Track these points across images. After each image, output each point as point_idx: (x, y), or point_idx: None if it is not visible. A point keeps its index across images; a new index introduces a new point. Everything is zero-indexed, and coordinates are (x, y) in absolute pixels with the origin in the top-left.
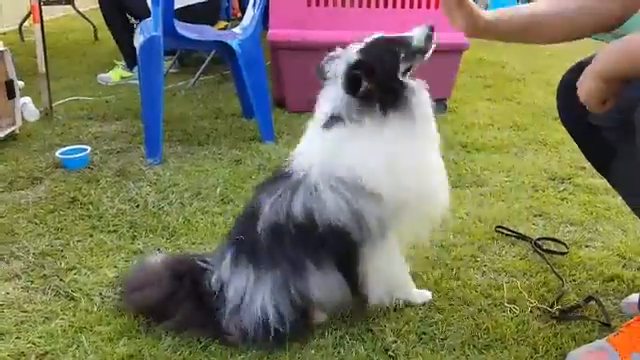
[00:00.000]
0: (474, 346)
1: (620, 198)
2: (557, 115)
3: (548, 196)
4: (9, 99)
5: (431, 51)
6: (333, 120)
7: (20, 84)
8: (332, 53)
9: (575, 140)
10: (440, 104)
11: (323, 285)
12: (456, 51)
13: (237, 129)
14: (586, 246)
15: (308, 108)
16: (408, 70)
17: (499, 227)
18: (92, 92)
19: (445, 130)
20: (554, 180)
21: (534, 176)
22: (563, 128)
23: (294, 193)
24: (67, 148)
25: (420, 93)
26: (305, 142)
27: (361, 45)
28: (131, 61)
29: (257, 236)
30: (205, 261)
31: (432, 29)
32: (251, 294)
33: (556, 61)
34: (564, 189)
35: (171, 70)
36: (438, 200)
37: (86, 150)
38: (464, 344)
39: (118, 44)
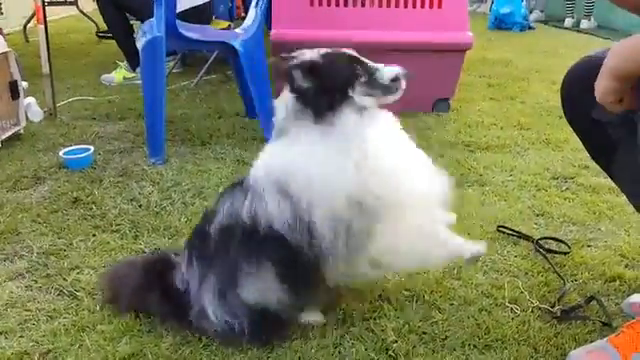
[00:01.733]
0: (475, 346)
1: (624, 197)
2: (561, 114)
3: (551, 195)
4: (13, 100)
5: (396, 96)
6: (280, 133)
7: (24, 85)
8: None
9: (578, 136)
10: (443, 103)
11: (258, 288)
12: (459, 50)
13: (240, 129)
14: (588, 246)
15: None
16: (366, 95)
17: (501, 226)
18: (95, 92)
19: (448, 129)
20: (557, 179)
21: (537, 175)
22: (567, 127)
23: (244, 197)
24: (70, 148)
25: (375, 118)
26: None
27: (328, 50)
28: (133, 62)
29: (208, 237)
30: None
31: (405, 76)
32: (197, 295)
33: (560, 60)
34: (567, 188)
35: (174, 70)
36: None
37: (89, 150)
38: (465, 344)
39: (119, 45)
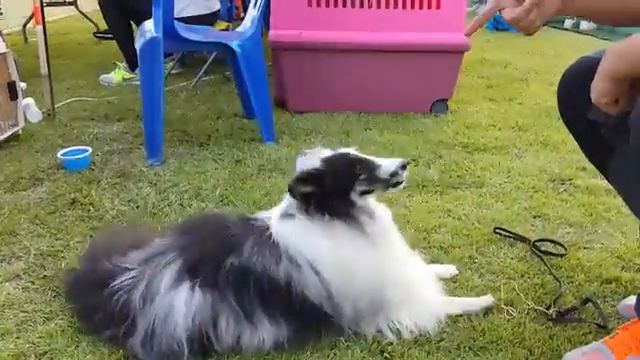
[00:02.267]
0: (470, 348)
1: (620, 199)
2: (559, 116)
3: (548, 197)
4: (12, 100)
5: (399, 188)
6: (288, 215)
7: (23, 85)
8: (303, 152)
9: (575, 137)
10: (441, 104)
11: (269, 335)
12: (457, 51)
13: (238, 130)
14: (585, 248)
15: (309, 108)
16: (366, 192)
17: (498, 228)
18: (94, 93)
19: (446, 130)
20: (554, 181)
21: (534, 177)
22: (565, 129)
23: (278, 258)
24: (68, 149)
25: (375, 216)
26: (277, 217)
27: (327, 154)
28: (132, 63)
29: (220, 268)
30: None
31: (405, 166)
32: (192, 315)
33: (559, 61)
34: (564, 190)
35: (173, 71)
36: (392, 311)
37: (87, 151)
38: (460, 346)
39: (119, 45)
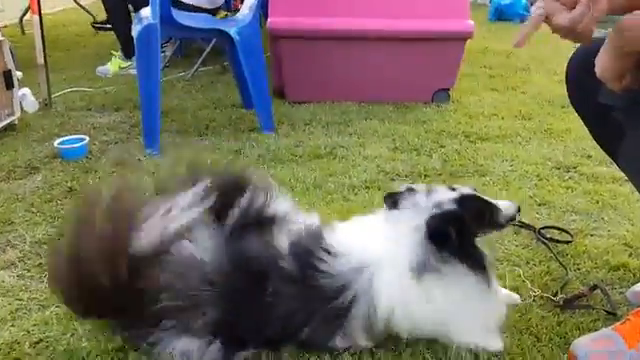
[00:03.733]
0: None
1: (627, 186)
2: (563, 104)
3: (553, 185)
4: (7, 89)
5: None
6: (418, 270)
7: (18, 74)
8: (411, 187)
9: (584, 121)
10: (443, 94)
11: None
12: (459, 39)
13: (236, 120)
14: (591, 235)
15: (308, 98)
16: (486, 234)
17: None
18: (91, 83)
19: (448, 120)
20: (559, 169)
21: (538, 165)
22: (568, 117)
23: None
24: (65, 138)
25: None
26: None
27: (454, 194)
28: (129, 49)
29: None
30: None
31: (519, 210)
32: None
33: (561, 50)
34: (569, 178)
35: (167, 53)
36: None
37: (84, 140)
38: None
39: (116, 33)
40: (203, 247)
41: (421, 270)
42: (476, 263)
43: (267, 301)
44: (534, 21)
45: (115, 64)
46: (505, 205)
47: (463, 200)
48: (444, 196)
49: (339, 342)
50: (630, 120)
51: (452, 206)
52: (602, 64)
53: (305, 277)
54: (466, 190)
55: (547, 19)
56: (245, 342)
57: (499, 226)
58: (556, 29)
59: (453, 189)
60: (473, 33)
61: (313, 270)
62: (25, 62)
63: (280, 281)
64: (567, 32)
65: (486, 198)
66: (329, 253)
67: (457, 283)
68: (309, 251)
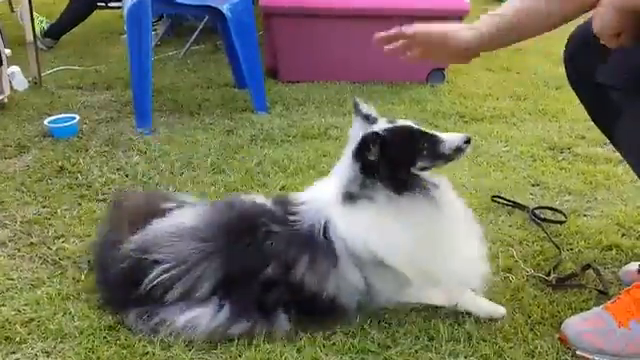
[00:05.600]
0: (469, 315)
1: (620, 167)
2: (557, 85)
3: (546, 165)
4: None
5: (458, 161)
6: (351, 197)
7: (7, 52)
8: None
9: (582, 101)
10: (438, 74)
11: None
12: (455, 17)
13: (229, 99)
14: (584, 215)
15: (301, 78)
16: (426, 168)
17: (495, 196)
18: (82, 62)
19: (443, 100)
20: (553, 150)
21: (532, 146)
22: (563, 98)
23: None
24: (56, 117)
25: (439, 186)
26: (319, 202)
27: (390, 124)
28: (56, 32)
29: (252, 282)
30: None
31: (469, 141)
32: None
33: (557, 31)
34: (563, 159)
35: (158, 32)
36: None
37: (75, 119)
38: (458, 312)
39: (68, 7)
40: (189, 217)
41: (347, 197)
42: (413, 192)
43: (262, 243)
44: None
45: (38, 26)
46: (450, 137)
47: (395, 128)
48: (380, 126)
49: (332, 282)
50: (627, 99)
51: (378, 131)
52: (601, 20)
53: (287, 220)
54: (403, 122)
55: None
56: (248, 306)
57: (443, 157)
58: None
59: (391, 122)
60: (469, 11)
61: (292, 214)
62: (14, 40)
63: (272, 222)
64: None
65: (424, 129)
66: (299, 203)
67: (389, 210)
68: (286, 201)
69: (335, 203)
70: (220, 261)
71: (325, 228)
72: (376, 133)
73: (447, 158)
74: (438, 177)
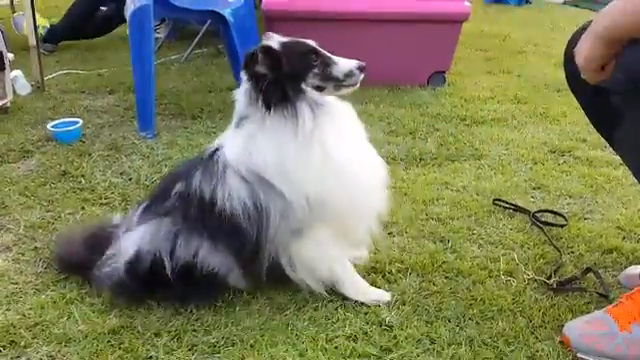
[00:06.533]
0: (470, 318)
1: (621, 170)
2: (558, 88)
3: (547, 169)
4: None
5: (350, 90)
6: (241, 119)
7: (10, 56)
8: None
9: (581, 106)
10: (439, 77)
11: (208, 255)
12: (455, 21)
13: (231, 103)
14: (585, 218)
15: None
16: (318, 88)
17: (497, 200)
18: (84, 66)
19: (444, 103)
20: (554, 153)
21: (534, 149)
22: (564, 101)
23: (211, 178)
24: (59, 121)
25: (321, 107)
26: (223, 136)
27: (287, 39)
28: (57, 34)
29: (169, 198)
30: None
31: (362, 69)
32: (139, 243)
33: (558, 34)
34: (564, 162)
35: (160, 36)
36: (358, 204)
37: (78, 123)
38: (460, 316)
39: (69, 11)
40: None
41: (238, 119)
42: (290, 105)
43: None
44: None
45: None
46: (343, 61)
47: (288, 42)
48: (273, 41)
49: (220, 192)
50: (628, 104)
51: (272, 44)
52: (587, 53)
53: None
54: (301, 39)
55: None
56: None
57: (333, 79)
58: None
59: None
60: (470, 15)
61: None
62: (16, 44)
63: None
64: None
65: (319, 49)
66: None
67: (263, 127)
68: None
69: (230, 127)
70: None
71: (215, 151)
72: (266, 45)
73: (338, 81)
74: (339, 103)
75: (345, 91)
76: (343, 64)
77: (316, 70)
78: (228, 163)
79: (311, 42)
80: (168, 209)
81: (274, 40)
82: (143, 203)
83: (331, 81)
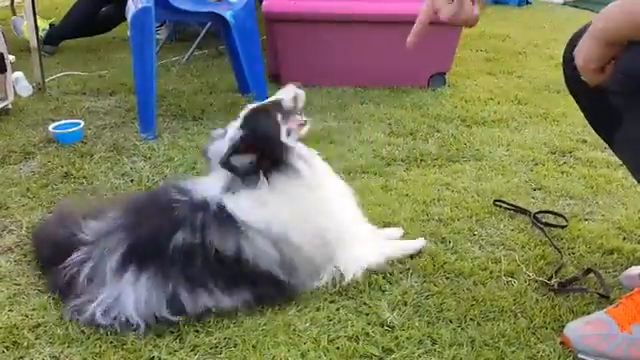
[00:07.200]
0: (471, 319)
1: (621, 171)
2: (559, 89)
3: (548, 170)
4: (0, 73)
5: (300, 113)
6: (233, 186)
7: (11, 58)
8: (213, 134)
9: (580, 106)
10: (439, 78)
11: (221, 301)
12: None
13: (232, 104)
14: (586, 219)
15: (303, 83)
16: (289, 133)
17: (497, 201)
18: (85, 67)
19: (444, 104)
20: (554, 154)
21: (534, 150)
22: (564, 102)
23: (226, 232)
24: (60, 123)
25: (306, 156)
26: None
27: (239, 121)
28: (54, 39)
29: (165, 249)
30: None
31: (299, 87)
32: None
33: (558, 35)
34: (564, 162)
35: (161, 37)
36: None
37: (79, 124)
38: (461, 317)
39: (70, 12)
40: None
41: (231, 185)
42: (285, 165)
43: (167, 211)
44: (423, 19)
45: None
46: (282, 93)
47: (245, 122)
48: (232, 131)
49: (246, 248)
50: (626, 103)
51: (241, 132)
52: (586, 54)
53: (188, 192)
54: (246, 110)
55: (436, 14)
56: (168, 275)
57: (290, 111)
58: (449, 22)
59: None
60: None
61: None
62: (17, 45)
63: (176, 193)
64: (453, 22)
65: (264, 103)
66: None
67: (285, 190)
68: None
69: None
70: (127, 232)
71: (220, 203)
72: (236, 144)
73: (293, 110)
74: (311, 152)
75: (299, 118)
76: (285, 93)
77: (280, 118)
78: (249, 225)
79: (254, 105)
80: (164, 264)
81: (234, 130)
82: (118, 249)
83: (290, 114)
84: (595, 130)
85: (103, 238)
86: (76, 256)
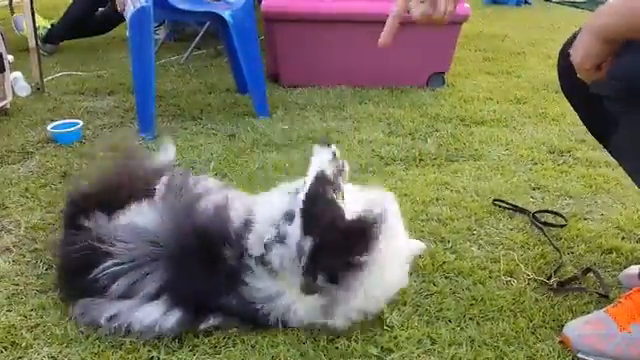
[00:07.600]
0: (470, 318)
1: (620, 171)
2: (557, 89)
3: (547, 169)
4: None
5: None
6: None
7: (10, 58)
8: (266, 239)
9: (575, 110)
10: (438, 77)
11: None
12: (455, 22)
13: (231, 104)
14: (585, 219)
15: (303, 82)
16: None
17: (496, 200)
18: (84, 67)
19: (443, 104)
20: (553, 153)
21: (533, 149)
22: (563, 101)
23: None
24: (59, 122)
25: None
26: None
27: (299, 219)
28: (54, 38)
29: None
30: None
31: (334, 153)
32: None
33: (557, 34)
34: (563, 162)
35: (160, 37)
36: None
37: (78, 124)
38: (460, 316)
39: (68, 10)
40: (142, 215)
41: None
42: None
43: (222, 264)
44: (395, 16)
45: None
46: (318, 161)
47: (308, 209)
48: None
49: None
50: (623, 110)
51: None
52: (584, 51)
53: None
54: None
55: (407, 13)
56: (203, 312)
57: (337, 182)
58: (418, 22)
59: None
60: (469, 16)
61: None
62: (16, 45)
63: (225, 244)
64: (425, 21)
65: (322, 177)
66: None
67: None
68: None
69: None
70: (168, 265)
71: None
72: (307, 270)
73: (340, 173)
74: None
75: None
76: (320, 160)
77: (335, 194)
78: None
79: (319, 171)
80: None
81: (301, 237)
82: (156, 279)
83: (339, 178)
84: (592, 134)
85: (141, 259)
86: (104, 269)
